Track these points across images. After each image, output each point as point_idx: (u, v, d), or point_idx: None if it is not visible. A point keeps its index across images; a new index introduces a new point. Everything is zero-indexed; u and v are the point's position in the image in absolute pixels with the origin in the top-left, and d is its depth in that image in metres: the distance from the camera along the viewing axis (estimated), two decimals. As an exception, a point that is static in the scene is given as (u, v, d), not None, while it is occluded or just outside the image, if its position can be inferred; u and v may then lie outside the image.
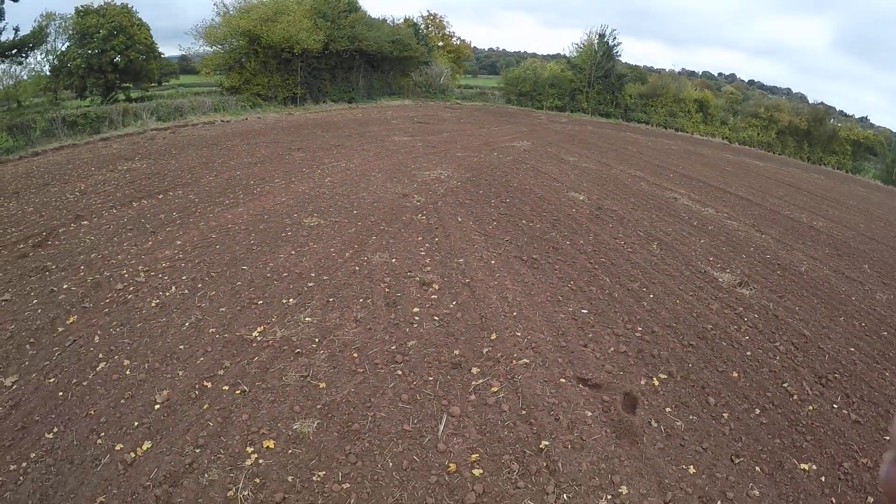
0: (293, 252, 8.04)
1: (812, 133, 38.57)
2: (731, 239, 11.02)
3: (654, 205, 12.85)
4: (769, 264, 9.88)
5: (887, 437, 5.61)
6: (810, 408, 5.71)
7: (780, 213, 14.50)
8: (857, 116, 59.74)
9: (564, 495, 4.12)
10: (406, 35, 34.16)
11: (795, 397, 5.83)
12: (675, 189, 15.11)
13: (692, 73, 66.85)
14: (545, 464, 4.38)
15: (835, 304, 8.62)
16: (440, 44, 44.14)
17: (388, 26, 33.81)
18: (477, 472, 4.25)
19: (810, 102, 46.83)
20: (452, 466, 4.27)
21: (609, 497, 4.14)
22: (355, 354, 5.59)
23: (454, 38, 46.14)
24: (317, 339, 5.82)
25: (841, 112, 55.97)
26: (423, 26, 42.02)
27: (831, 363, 6.73)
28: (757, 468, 4.71)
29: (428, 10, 50.90)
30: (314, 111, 26.13)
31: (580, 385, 5.45)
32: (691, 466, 4.57)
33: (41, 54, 23.20)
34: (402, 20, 38.63)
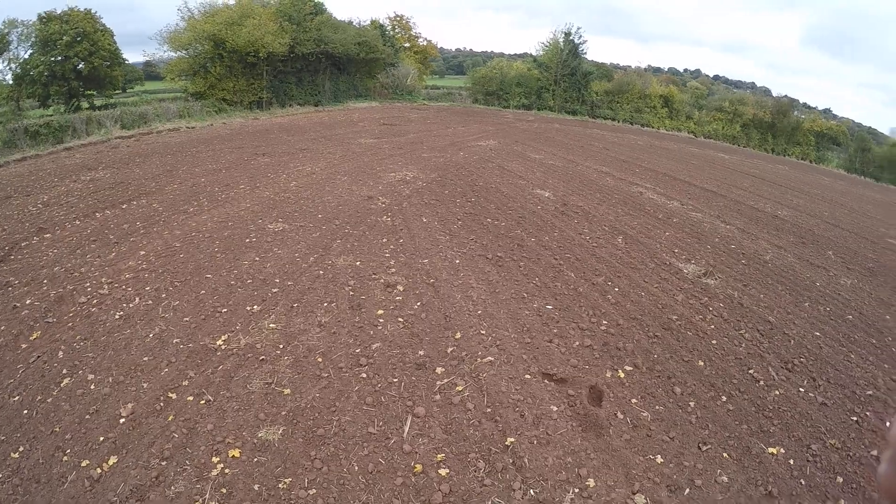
0: (257, 258, 7.99)
1: (776, 125, 39.49)
2: (696, 230, 11.19)
3: (619, 199, 12.98)
4: (734, 254, 10.05)
5: (854, 418, 5.77)
6: (777, 393, 5.83)
7: (745, 203, 14.76)
8: (820, 108, 61.59)
9: (531, 491, 4.13)
10: (372, 37, 34.16)
11: (762, 383, 5.95)
12: (641, 183, 15.29)
13: (658, 70, 68.03)
14: (511, 460, 4.40)
15: (799, 290, 8.81)
16: (407, 45, 44.21)
17: (354, 28, 33.77)
18: (443, 471, 4.25)
19: (774, 95, 48.10)
20: (418, 467, 4.27)
21: (576, 491, 4.17)
22: (320, 359, 5.57)
23: (421, 39, 46.28)
24: (281, 346, 5.78)
25: (804, 104, 57.50)
26: (389, 28, 42.04)
27: (797, 348, 6.88)
28: (725, 454, 4.78)
29: (395, 12, 50.88)
30: (280, 115, 25.99)
31: (545, 380, 5.48)
32: (658, 456, 4.62)
33: (3, 62, 22.83)
34: (368, 22, 38.64)
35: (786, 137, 39.78)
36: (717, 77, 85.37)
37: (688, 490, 4.33)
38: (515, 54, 54.52)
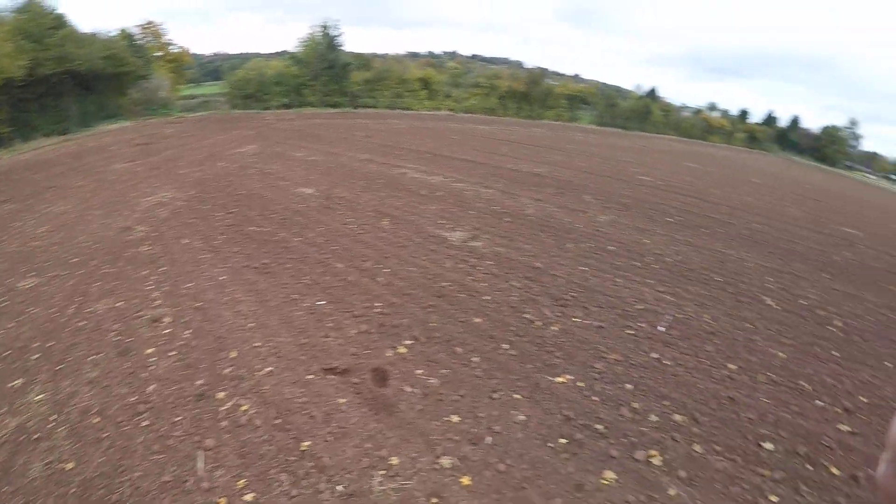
0: (11, 325, 7.06)
1: (530, 93, 44.22)
2: (459, 199, 12.03)
3: (383, 184, 13.49)
4: (497, 214, 11.00)
5: (630, 332, 6.68)
6: (554, 328, 6.54)
7: (505, 167, 16.21)
8: (570, 74, 69.91)
9: (338, 487, 4.18)
10: (121, 48, 31.36)
11: (538, 323, 6.62)
12: (404, 165, 16.01)
13: (416, 54, 71.55)
14: (312, 464, 4.41)
15: (562, 234, 9.92)
16: (159, 53, 41.27)
17: (100, 41, 30.66)
18: (249, 497, 4.13)
19: (528, 67, 53.87)
20: (223, 501, 4.11)
21: (382, 472, 4.30)
22: (96, 420, 5.09)
23: (174, 46, 43.37)
24: (53, 416, 5.18)
25: (555, 72, 64.74)
26: (139, 37, 38.81)
27: (566, 285, 7.77)
28: (516, 396, 5.25)
29: (145, 19, 46.89)
30: (24, 151, 22.92)
31: (328, 375, 5.56)
32: (454, 416, 4.92)
33: None
34: (116, 32, 35.32)
35: (540, 103, 44.78)
36: (474, 56, 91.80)
37: (489, 438, 4.69)
38: (274, 53, 53.39)
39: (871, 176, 68.75)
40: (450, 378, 5.49)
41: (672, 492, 4.44)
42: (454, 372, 5.59)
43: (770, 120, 71.38)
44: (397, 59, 48.84)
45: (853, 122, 73.84)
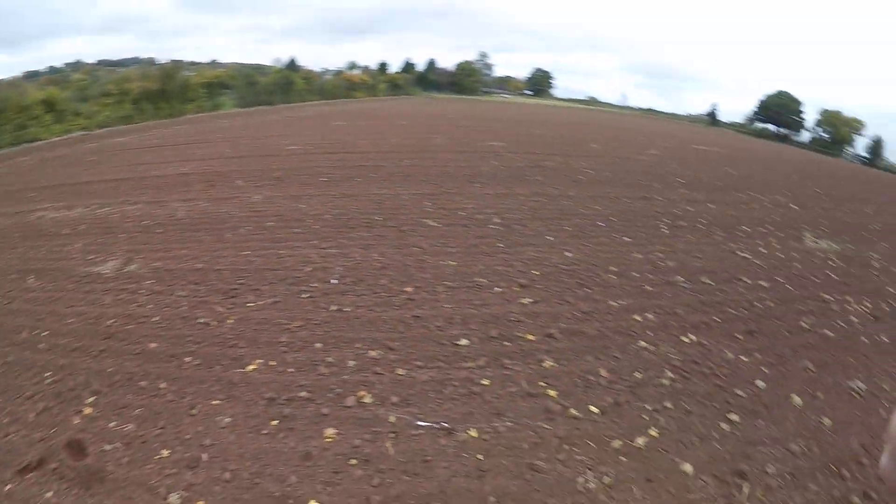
0: None
1: (167, 90, 40.56)
2: (105, 226, 10.60)
3: (19, 237, 10.92)
4: (148, 229, 10.05)
5: (304, 296, 6.81)
6: (231, 321, 6.40)
7: (150, 176, 14.80)
8: (207, 62, 65.63)
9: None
10: None
11: (214, 322, 6.41)
12: (38, 207, 13.07)
13: (35, 74, 60.31)
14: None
15: (218, 226, 9.71)
16: None
17: None
18: None
19: (160, 63, 49.32)
20: None
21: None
22: None
23: None
24: None
25: (191, 62, 60.15)
26: None
27: (232, 275, 7.66)
28: (214, 402, 5.08)
29: None
30: None
31: (26, 475, 4.48)
32: (164, 451, 4.56)
33: None
34: None
35: (179, 98, 41.50)
36: (101, 62, 79.84)
37: (205, 455, 4.48)
38: None
39: (507, 96, 79.46)
40: (145, 416, 5.02)
41: (392, 419, 4.71)
42: (147, 408, 5.11)
43: (408, 67, 77.01)
44: (14, 83, 40.64)
45: (483, 55, 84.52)
